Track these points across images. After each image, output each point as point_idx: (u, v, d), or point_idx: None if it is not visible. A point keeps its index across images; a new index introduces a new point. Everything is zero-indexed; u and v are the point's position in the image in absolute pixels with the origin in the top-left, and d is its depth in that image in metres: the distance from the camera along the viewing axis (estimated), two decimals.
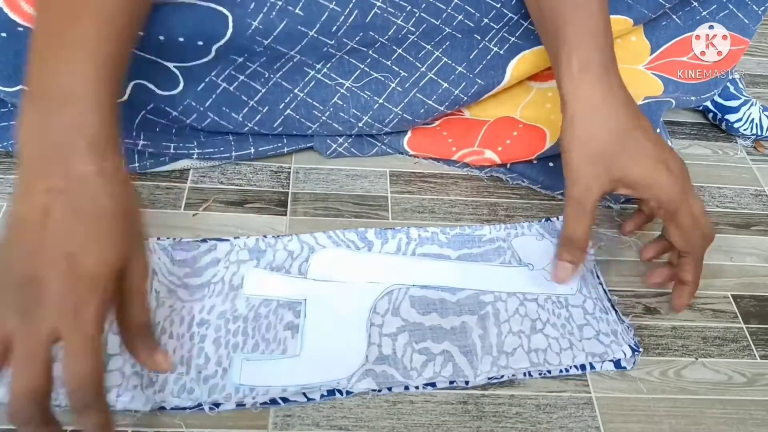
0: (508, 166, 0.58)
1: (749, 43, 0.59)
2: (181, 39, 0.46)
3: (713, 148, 0.66)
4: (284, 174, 0.56)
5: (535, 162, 0.57)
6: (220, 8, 0.45)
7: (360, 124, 0.55)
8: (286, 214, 0.53)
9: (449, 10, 0.50)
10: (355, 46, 0.50)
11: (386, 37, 0.50)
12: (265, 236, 0.50)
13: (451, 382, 0.43)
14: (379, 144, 0.58)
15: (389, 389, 0.42)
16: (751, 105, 0.66)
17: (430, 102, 0.55)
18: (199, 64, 0.48)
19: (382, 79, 0.53)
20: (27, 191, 0.34)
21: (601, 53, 0.45)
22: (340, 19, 0.48)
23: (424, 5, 0.50)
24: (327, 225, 0.52)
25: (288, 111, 0.53)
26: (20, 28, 0.44)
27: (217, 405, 0.40)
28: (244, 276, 0.46)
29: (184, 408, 0.40)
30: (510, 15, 0.51)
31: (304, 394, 0.41)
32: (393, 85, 0.54)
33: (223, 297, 0.45)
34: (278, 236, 0.50)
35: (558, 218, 0.54)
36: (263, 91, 0.52)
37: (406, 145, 0.58)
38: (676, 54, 0.59)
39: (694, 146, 0.66)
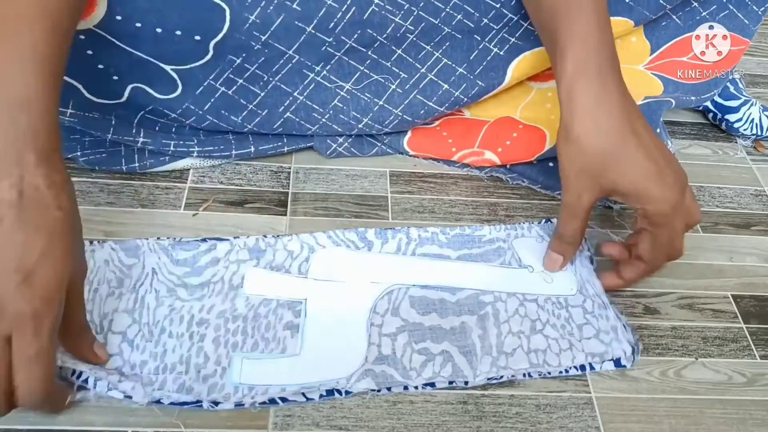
0: (508, 166, 0.58)
1: (749, 43, 0.59)
2: (179, 32, 0.45)
3: (713, 148, 0.66)
4: (284, 174, 0.56)
5: (534, 162, 0.57)
6: (218, 1, 0.45)
7: (360, 126, 0.55)
8: (286, 214, 0.53)
9: (448, 9, 0.50)
10: (354, 45, 0.50)
11: (385, 35, 0.50)
12: (265, 236, 0.50)
13: (451, 383, 0.43)
14: (379, 144, 0.58)
15: (388, 389, 0.42)
16: (751, 105, 0.66)
17: (430, 103, 0.55)
18: (196, 67, 0.48)
19: (382, 80, 0.53)
20: None
21: (595, 54, 0.44)
22: (338, 15, 0.48)
23: (422, 4, 0.49)
24: (327, 225, 0.52)
25: (288, 114, 0.53)
26: None
27: (216, 404, 0.40)
28: (245, 276, 0.46)
29: (182, 403, 0.40)
30: (510, 15, 0.51)
31: (303, 394, 0.41)
32: (393, 86, 0.54)
33: (223, 296, 0.45)
34: (278, 236, 0.50)
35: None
36: (262, 94, 0.52)
37: (406, 146, 0.58)
38: (676, 54, 0.59)
39: (694, 146, 0.66)
